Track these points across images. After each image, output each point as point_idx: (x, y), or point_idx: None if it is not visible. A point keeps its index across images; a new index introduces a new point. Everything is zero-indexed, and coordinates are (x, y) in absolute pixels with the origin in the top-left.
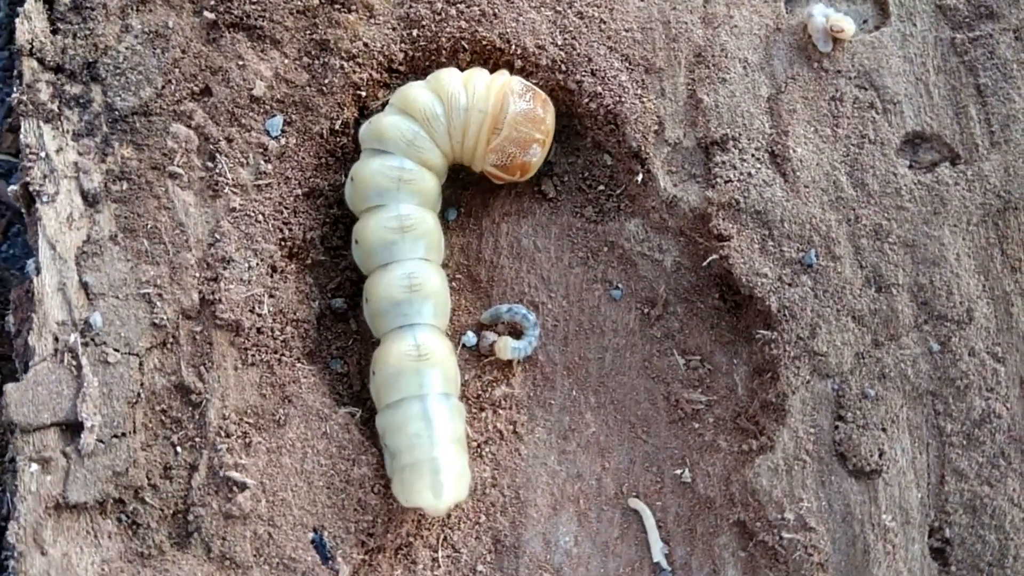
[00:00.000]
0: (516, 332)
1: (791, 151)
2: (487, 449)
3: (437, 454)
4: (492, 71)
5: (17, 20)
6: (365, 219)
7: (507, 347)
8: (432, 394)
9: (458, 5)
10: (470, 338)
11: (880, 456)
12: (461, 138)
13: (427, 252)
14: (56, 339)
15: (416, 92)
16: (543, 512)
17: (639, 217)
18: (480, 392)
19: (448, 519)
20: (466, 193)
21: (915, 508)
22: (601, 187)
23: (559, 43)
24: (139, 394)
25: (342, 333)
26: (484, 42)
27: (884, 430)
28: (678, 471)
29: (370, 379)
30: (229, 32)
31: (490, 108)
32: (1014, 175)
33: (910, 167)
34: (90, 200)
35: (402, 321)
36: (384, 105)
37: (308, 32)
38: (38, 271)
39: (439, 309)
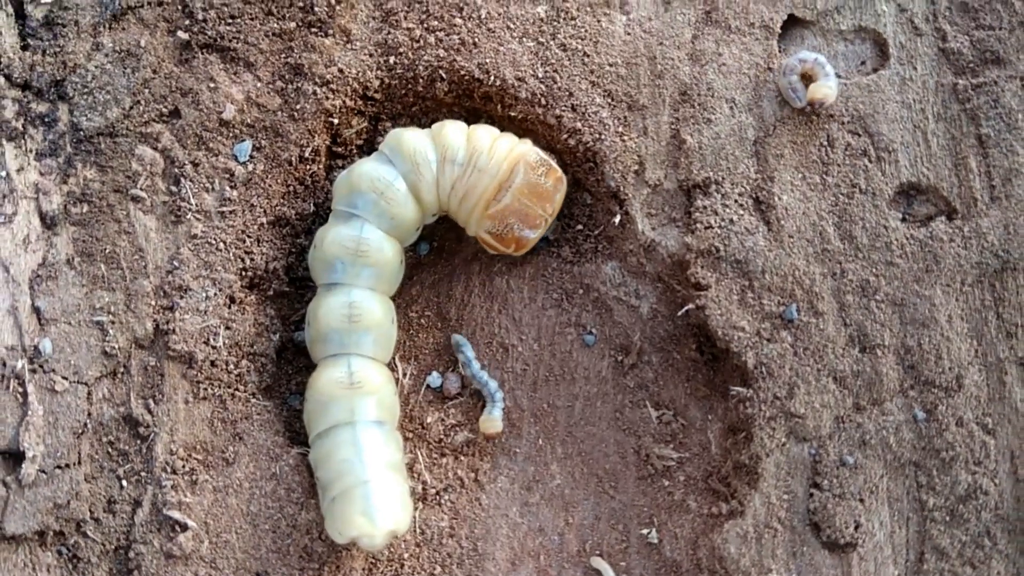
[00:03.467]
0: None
1: (776, 198)
2: (446, 497)
3: (369, 478)
4: (471, 103)
5: None
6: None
7: (491, 422)
8: (363, 421)
9: (437, 33)
10: (435, 379)
11: (856, 528)
12: (449, 192)
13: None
14: (4, 364)
15: (411, 135)
16: (501, 566)
17: (616, 260)
18: (442, 436)
19: (401, 568)
20: (440, 227)
21: None
22: (579, 226)
23: (540, 76)
24: (86, 424)
25: (303, 368)
26: (462, 72)
27: (862, 501)
28: (645, 531)
29: (303, 407)
30: (202, 53)
31: (499, 174)
32: (1014, 233)
33: (903, 220)
34: (48, 222)
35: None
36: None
37: (283, 55)
38: None
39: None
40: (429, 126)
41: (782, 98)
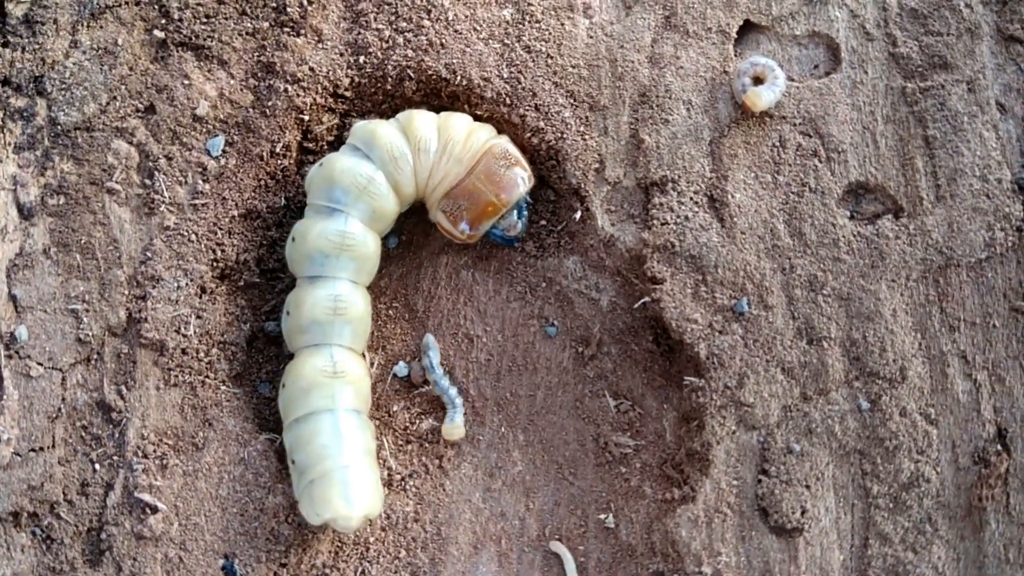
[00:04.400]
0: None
1: (730, 196)
2: (411, 483)
3: (348, 463)
4: (439, 101)
5: None
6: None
7: (453, 429)
8: (343, 408)
9: (406, 34)
10: (401, 368)
11: (802, 514)
12: (426, 180)
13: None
14: None
15: (384, 129)
16: (464, 550)
17: (578, 255)
18: (407, 424)
19: (367, 552)
20: (408, 221)
21: (836, 570)
22: (543, 222)
23: (505, 76)
24: (60, 409)
25: (273, 357)
26: (430, 72)
27: (808, 487)
28: (602, 516)
29: (279, 393)
30: (177, 51)
31: (471, 164)
32: (958, 231)
33: (851, 218)
34: (25, 213)
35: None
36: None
37: (256, 54)
38: None
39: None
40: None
41: (736, 100)
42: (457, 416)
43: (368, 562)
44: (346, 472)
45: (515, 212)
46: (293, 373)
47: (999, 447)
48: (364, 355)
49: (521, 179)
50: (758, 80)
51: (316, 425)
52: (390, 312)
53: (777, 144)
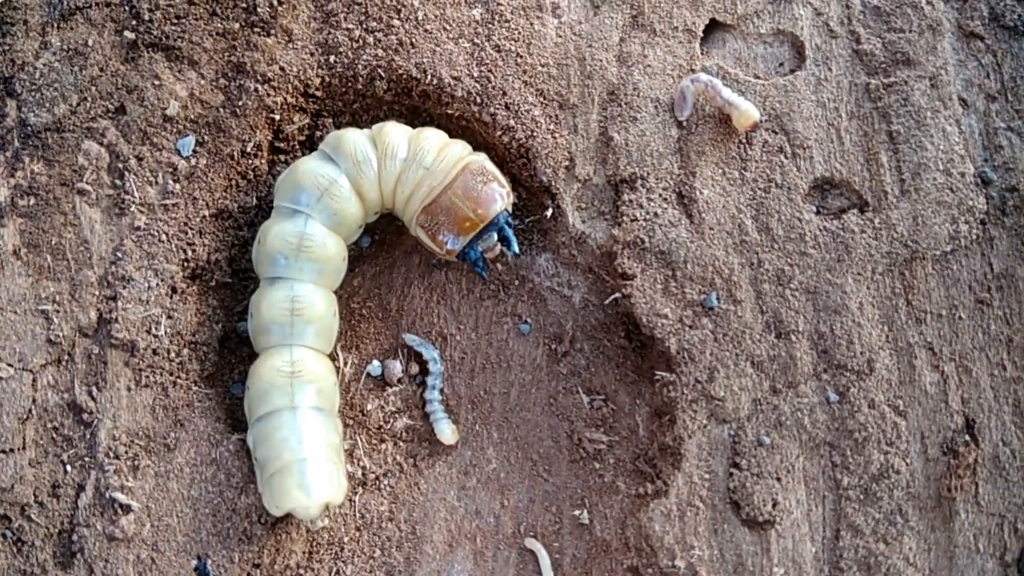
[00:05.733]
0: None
1: (698, 192)
2: (386, 482)
3: (306, 455)
4: (410, 101)
5: None
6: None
7: (445, 431)
8: (303, 406)
9: (376, 33)
10: (375, 367)
11: (774, 506)
12: (393, 188)
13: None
14: None
15: (351, 134)
16: (439, 549)
17: (550, 252)
18: (382, 423)
19: (341, 551)
20: (381, 222)
21: (808, 562)
22: (515, 220)
23: (475, 75)
24: (30, 410)
25: (246, 357)
26: (400, 71)
27: (779, 479)
28: (576, 512)
29: (245, 394)
30: (147, 52)
31: (447, 178)
32: (922, 224)
33: (817, 213)
34: None
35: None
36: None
37: (226, 54)
38: None
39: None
40: (369, 123)
41: (703, 97)
42: (445, 423)
43: (343, 562)
44: (304, 464)
45: (494, 234)
46: (254, 374)
47: (967, 437)
48: (337, 354)
49: (499, 195)
50: (704, 96)
51: (276, 422)
52: (363, 311)
53: (744, 141)
